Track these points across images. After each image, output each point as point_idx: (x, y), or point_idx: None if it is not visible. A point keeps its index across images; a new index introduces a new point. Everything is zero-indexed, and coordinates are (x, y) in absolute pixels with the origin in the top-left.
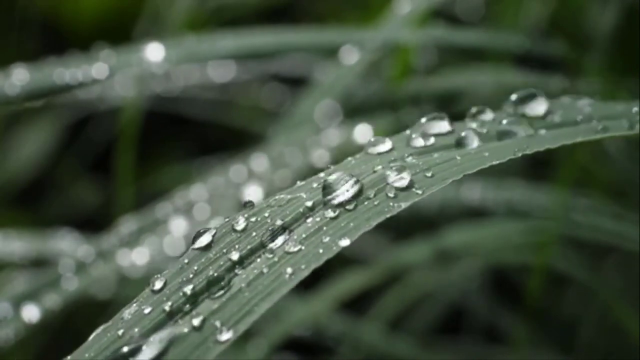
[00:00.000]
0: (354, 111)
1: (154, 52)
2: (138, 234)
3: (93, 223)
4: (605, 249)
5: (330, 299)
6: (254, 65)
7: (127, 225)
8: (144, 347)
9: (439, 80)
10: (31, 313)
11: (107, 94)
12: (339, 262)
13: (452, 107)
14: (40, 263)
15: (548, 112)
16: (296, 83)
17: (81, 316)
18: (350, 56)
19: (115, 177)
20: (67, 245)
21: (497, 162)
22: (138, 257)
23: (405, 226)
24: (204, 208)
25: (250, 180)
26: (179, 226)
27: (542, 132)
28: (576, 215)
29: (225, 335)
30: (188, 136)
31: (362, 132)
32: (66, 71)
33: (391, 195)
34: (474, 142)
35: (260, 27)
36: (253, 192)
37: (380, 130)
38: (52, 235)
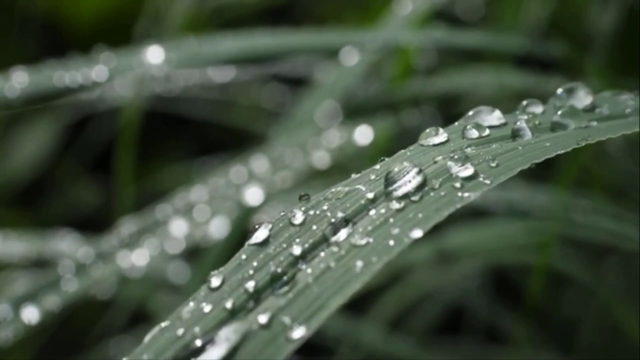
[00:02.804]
0: (354, 112)
1: (155, 54)
2: (138, 235)
3: (93, 223)
4: (605, 249)
5: None
6: (254, 66)
7: (127, 226)
8: (208, 346)
9: (440, 81)
10: (31, 315)
11: (107, 94)
12: None
13: (453, 107)
14: (40, 263)
15: (594, 106)
16: (297, 83)
17: (81, 317)
18: (351, 57)
19: (115, 177)
20: (67, 245)
21: (563, 151)
22: (138, 258)
23: None
24: (204, 209)
25: (250, 181)
26: (179, 227)
27: (594, 124)
28: (576, 215)
29: (298, 332)
30: (188, 136)
31: (363, 133)
32: (66, 74)
33: (457, 185)
34: (529, 134)
35: (260, 28)
36: (253, 194)
37: (381, 131)
38: (52, 236)
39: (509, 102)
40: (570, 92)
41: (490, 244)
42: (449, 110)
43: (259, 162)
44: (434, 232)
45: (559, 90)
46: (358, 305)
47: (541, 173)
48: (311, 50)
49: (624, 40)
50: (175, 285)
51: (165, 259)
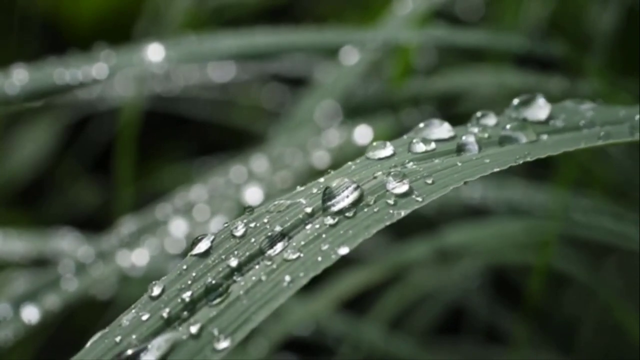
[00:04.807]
0: (354, 111)
1: (155, 52)
2: (138, 235)
3: (93, 223)
4: (605, 249)
5: (331, 299)
6: (254, 65)
7: (127, 226)
8: (141, 355)
9: (439, 81)
10: (31, 314)
11: (107, 94)
12: (339, 262)
13: (453, 107)
14: (40, 263)
15: (550, 117)
16: (296, 83)
17: (81, 316)
18: (351, 56)
19: (115, 177)
20: (67, 245)
21: (498, 169)
22: (138, 258)
23: (405, 225)
24: (203, 209)
25: (250, 181)
26: (178, 227)
27: (544, 137)
28: (576, 215)
29: (223, 344)
30: (188, 136)
31: (363, 133)
32: (66, 71)
33: (391, 202)
34: (475, 148)
35: (260, 27)
36: (253, 193)
37: (381, 131)
38: (52, 235)
39: (509, 102)
40: (527, 103)
41: (490, 244)
42: (449, 110)
43: (259, 162)
44: (433, 232)
45: (515, 101)
46: (358, 305)
47: (541, 172)
48: (311, 48)
49: (624, 40)
50: None
51: (166, 259)
